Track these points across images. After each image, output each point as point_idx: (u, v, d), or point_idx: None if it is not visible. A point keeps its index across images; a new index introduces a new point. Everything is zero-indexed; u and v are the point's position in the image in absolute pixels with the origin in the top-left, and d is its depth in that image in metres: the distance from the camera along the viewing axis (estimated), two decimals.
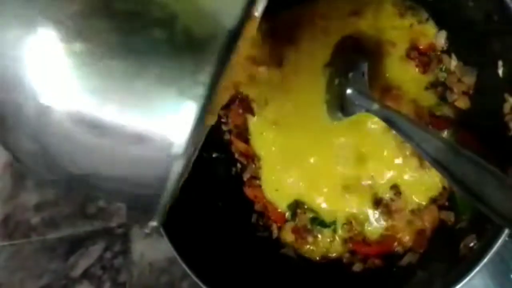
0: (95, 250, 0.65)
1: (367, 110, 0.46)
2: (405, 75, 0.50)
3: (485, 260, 0.35)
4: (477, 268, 0.35)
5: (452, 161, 0.37)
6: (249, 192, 0.60)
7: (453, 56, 0.48)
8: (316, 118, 0.54)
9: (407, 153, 0.49)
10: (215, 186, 0.61)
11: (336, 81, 0.50)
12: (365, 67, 0.47)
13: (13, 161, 0.57)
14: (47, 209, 0.60)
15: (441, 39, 0.48)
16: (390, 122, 0.44)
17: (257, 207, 0.60)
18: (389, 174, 0.51)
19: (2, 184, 0.56)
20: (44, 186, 0.59)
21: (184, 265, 0.51)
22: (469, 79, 0.46)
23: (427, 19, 0.49)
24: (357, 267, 0.51)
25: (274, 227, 0.59)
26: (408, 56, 0.49)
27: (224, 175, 0.62)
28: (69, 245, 0.62)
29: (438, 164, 0.38)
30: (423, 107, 0.48)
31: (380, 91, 0.50)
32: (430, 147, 0.39)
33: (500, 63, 0.41)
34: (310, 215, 0.56)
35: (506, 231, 0.36)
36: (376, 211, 0.52)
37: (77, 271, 0.63)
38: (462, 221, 0.45)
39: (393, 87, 0.50)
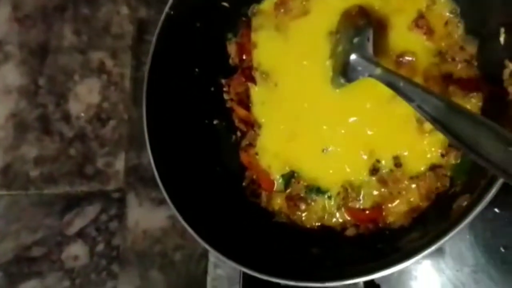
0: (91, 211, 0.66)
1: (370, 75, 0.47)
2: (415, 42, 0.50)
3: (478, 209, 0.36)
4: (468, 219, 0.36)
5: (450, 118, 0.38)
6: (244, 157, 0.61)
7: (459, 24, 0.48)
8: (320, 86, 0.55)
9: (409, 122, 0.50)
10: (214, 152, 0.62)
11: (340, 48, 0.51)
12: (370, 33, 0.48)
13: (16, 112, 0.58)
14: (46, 164, 0.61)
15: (447, 8, 0.49)
16: (392, 86, 0.44)
17: (249, 173, 0.60)
18: (391, 144, 0.52)
19: (4, 133, 0.56)
20: (45, 140, 0.60)
21: (185, 225, 0.51)
22: (471, 48, 0.47)
23: None
24: (350, 231, 0.52)
25: (264, 195, 0.59)
26: (416, 24, 0.50)
27: (224, 142, 0.63)
28: (65, 203, 0.63)
29: (438, 122, 0.39)
30: (437, 72, 0.49)
31: (394, 59, 0.51)
32: (430, 107, 0.40)
33: (502, 30, 0.42)
34: (305, 183, 0.56)
35: (499, 182, 0.36)
36: (372, 179, 0.52)
37: (72, 230, 0.64)
38: (455, 186, 0.46)
39: (406, 53, 0.50)
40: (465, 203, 0.41)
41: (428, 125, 0.47)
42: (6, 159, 0.56)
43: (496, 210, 0.52)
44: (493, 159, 0.34)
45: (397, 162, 0.51)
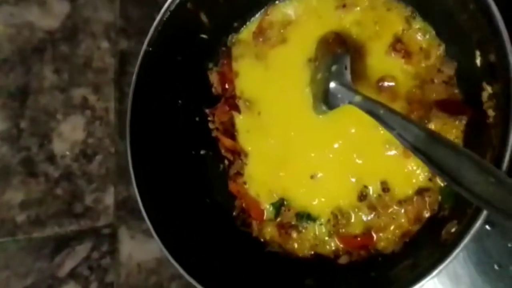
0: (82, 249, 0.64)
1: (350, 102, 0.47)
2: (393, 67, 0.50)
3: (465, 240, 0.36)
4: (458, 249, 0.36)
5: (431, 148, 0.38)
6: (232, 186, 0.60)
7: (436, 47, 0.48)
8: (303, 112, 0.55)
9: (394, 146, 0.50)
10: (203, 182, 0.62)
11: (319, 75, 0.51)
12: (347, 60, 0.48)
13: None
14: (33, 207, 0.60)
15: (423, 31, 0.49)
16: (372, 113, 0.44)
17: (239, 203, 0.60)
18: (378, 169, 0.51)
19: None
20: (30, 183, 0.59)
21: (174, 263, 0.50)
22: (449, 70, 0.47)
23: (413, 13, 0.50)
24: (343, 259, 0.51)
25: (254, 225, 0.59)
26: (393, 48, 0.50)
27: (212, 172, 0.63)
28: (55, 244, 0.62)
29: (418, 151, 0.39)
30: (419, 95, 0.49)
31: (374, 84, 0.51)
32: (410, 135, 0.40)
33: (477, 53, 0.42)
34: (295, 210, 0.56)
35: (484, 212, 0.36)
36: (361, 205, 0.52)
37: (64, 271, 0.62)
38: (444, 210, 0.46)
39: (385, 77, 0.50)
40: (453, 230, 0.41)
41: None
42: None
43: (487, 227, 0.51)
44: (475, 190, 0.34)
45: (385, 187, 0.51)
